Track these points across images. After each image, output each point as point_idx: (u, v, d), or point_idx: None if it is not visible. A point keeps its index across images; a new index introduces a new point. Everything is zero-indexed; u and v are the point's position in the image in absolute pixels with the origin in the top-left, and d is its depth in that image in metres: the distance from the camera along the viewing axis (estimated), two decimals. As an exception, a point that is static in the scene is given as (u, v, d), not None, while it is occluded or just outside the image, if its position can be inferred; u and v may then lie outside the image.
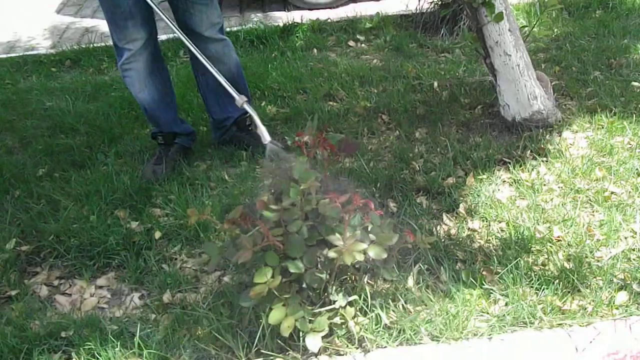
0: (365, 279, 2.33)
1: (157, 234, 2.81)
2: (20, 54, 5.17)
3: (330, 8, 5.76)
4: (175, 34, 4.96)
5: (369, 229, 2.14)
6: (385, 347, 2.19)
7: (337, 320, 2.18)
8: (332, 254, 1.97)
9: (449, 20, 4.88)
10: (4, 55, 5.15)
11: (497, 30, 3.25)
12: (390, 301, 2.29)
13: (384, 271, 2.18)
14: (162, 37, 3.37)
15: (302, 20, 5.14)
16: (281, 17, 5.67)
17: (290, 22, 5.06)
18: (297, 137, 2.27)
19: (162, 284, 2.55)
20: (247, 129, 3.43)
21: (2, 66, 4.87)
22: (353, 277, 2.27)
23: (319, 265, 2.07)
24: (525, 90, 3.32)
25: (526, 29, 3.72)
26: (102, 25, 5.83)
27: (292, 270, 2.00)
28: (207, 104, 3.40)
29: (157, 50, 3.15)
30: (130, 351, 2.21)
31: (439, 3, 4.99)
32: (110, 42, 5.06)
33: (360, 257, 1.95)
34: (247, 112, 3.35)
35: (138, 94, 3.14)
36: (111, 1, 2.86)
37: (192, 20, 3.06)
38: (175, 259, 2.70)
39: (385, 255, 2.03)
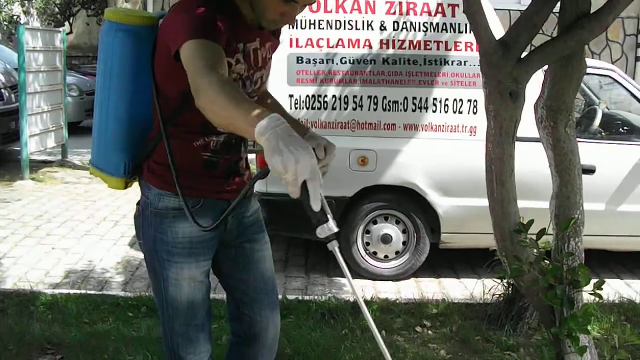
0: None
1: None
2: (98, 292, 5.41)
3: (392, 280, 6.02)
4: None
5: None
6: None
7: None
8: None
9: (514, 316, 5.03)
10: (82, 291, 5.39)
11: None
12: None
13: None
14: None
15: (371, 298, 5.35)
16: (347, 285, 5.91)
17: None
18: None
19: None
20: None
21: (81, 302, 5.07)
22: None
23: None
24: None
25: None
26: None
27: None
28: None
29: None
30: None
31: (504, 296, 5.17)
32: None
33: None
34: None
35: None
36: (191, 311, 2.63)
37: None
38: None
39: None
